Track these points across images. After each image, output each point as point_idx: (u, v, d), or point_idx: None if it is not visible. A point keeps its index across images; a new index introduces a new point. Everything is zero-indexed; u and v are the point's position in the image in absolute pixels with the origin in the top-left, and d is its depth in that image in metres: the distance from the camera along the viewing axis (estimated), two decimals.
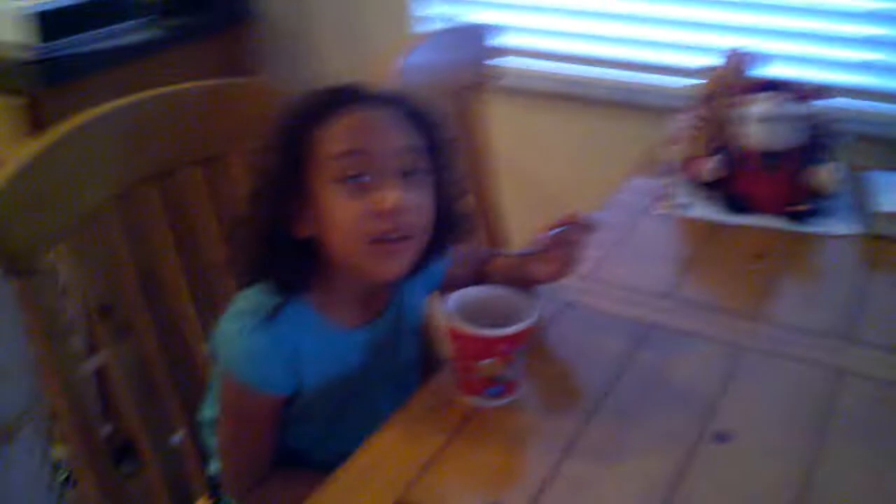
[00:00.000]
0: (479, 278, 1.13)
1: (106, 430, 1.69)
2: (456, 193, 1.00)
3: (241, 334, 0.92)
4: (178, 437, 1.10)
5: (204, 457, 1.11)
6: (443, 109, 1.07)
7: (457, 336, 0.92)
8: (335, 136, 0.90)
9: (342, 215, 0.89)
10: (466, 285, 1.00)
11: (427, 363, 1.12)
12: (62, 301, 0.93)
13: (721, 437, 0.90)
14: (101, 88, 1.65)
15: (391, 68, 1.31)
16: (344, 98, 0.92)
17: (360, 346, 1.00)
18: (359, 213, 0.88)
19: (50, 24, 1.57)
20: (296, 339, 0.94)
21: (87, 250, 0.98)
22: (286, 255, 0.92)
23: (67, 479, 1.70)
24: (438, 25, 2.04)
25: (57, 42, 1.60)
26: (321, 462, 1.02)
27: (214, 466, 1.09)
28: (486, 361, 0.91)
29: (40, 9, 1.55)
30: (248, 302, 0.95)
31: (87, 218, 0.97)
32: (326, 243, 0.92)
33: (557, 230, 1.02)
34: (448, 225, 0.99)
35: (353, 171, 0.88)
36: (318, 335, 0.96)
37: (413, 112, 0.94)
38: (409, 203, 0.89)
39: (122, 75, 1.73)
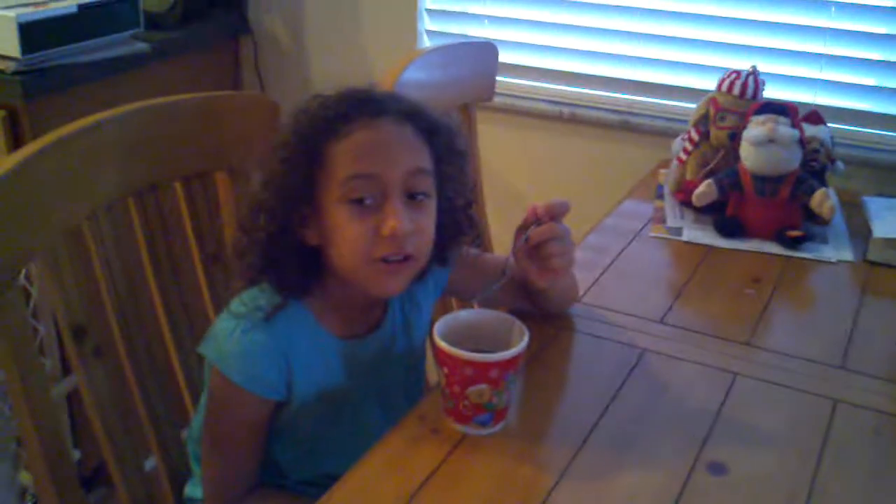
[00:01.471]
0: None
1: (76, 455, 1.66)
2: (463, 204, 0.99)
3: (237, 333, 0.91)
4: (151, 461, 1.07)
5: (181, 479, 1.08)
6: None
7: (446, 360, 0.89)
8: (345, 157, 0.89)
9: (346, 235, 0.89)
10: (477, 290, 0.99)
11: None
12: (33, 321, 0.90)
13: (714, 468, 0.88)
14: (85, 102, 1.63)
15: (385, 84, 1.30)
16: (361, 109, 0.90)
17: (349, 358, 0.98)
18: (362, 234, 0.88)
19: (32, 35, 1.54)
20: (291, 341, 0.93)
21: (61, 268, 0.94)
22: (291, 260, 0.92)
23: None
24: (435, 40, 2.03)
25: (39, 54, 1.57)
26: (300, 482, 1.01)
27: (191, 488, 1.06)
28: (476, 387, 0.88)
29: (23, 19, 1.52)
30: (245, 303, 0.94)
31: (64, 234, 0.95)
32: (329, 255, 0.92)
33: (525, 235, 0.98)
34: (452, 236, 0.99)
35: (359, 194, 0.88)
36: (312, 341, 0.95)
37: (428, 126, 0.93)
38: (411, 227, 0.89)
39: (107, 89, 1.70)
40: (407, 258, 0.91)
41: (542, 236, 0.97)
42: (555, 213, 0.97)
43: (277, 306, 0.92)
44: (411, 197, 0.91)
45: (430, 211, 0.93)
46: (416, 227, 0.90)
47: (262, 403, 0.94)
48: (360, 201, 0.89)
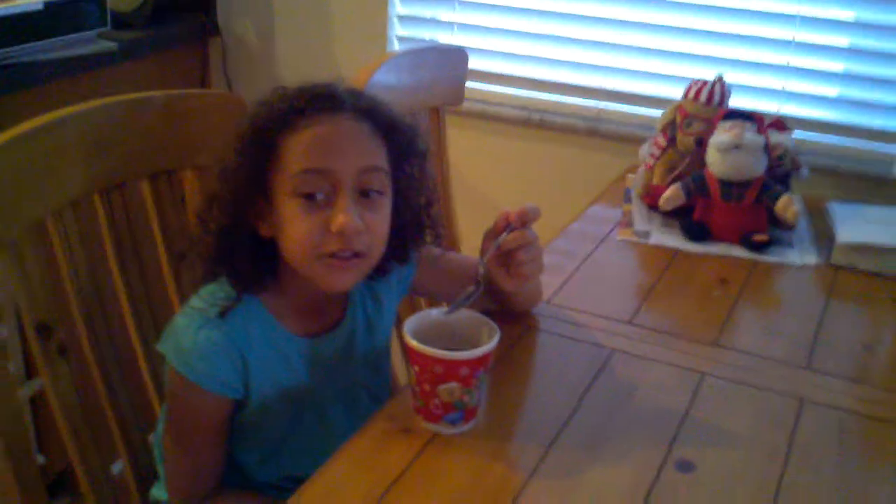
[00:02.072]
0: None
1: (40, 461, 1.63)
2: (423, 203, 0.99)
3: (191, 330, 0.90)
4: (118, 465, 1.05)
5: (148, 482, 1.06)
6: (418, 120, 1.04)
7: (416, 358, 0.89)
8: (298, 151, 0.88)
9: (295, 229, 0.89)
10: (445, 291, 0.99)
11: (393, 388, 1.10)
12: None
13: (683, 465, 0.88)
14: (50, 100, 1.61)
15: (356, 86, 1.29)
16: (318, 104, 0.90)
17: (309, 356, 0.98)
18: (311, 229, 0.88)
19: None
20: (246, 338, 0.92)
21: (26, 265, 0.93)
22: (246, 251, 0.91)
23: None
24: (405, 46, 2.03)
25: (4, 50, 1.54)
26: (265, 484, 1.00)
27: (156, 490, 1.05)
28: (447, 385, 0.88)
29: None
30: (202, 298, 0.93)
31: (28, 230, 0.93)
32: (281, 249, 0.92)
33: (497, 243, 0.97)
34: (411, 234, 0.98)
35: (310, 189, 0.88)
36: (268, 337, 0.94)
37: (386, 124, 0.93)
38: (361, 225, 0.88)
39: (73, 87, 1.67)
40: (357, 255, 0.90)
41: (514, 243, 0.97)
42: (526, 220, 0.97)
43: (231, 302, 0.92)
44: (364, 194, 0.90)
45: (382, 209, 0.92)
46: (367, 225, 0.89)
47: (220, 401, 0.93)
48: (310, 196, 0.88)
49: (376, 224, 0.91)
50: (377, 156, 0.92)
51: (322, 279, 0.91)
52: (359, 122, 0.91)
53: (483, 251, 0.99)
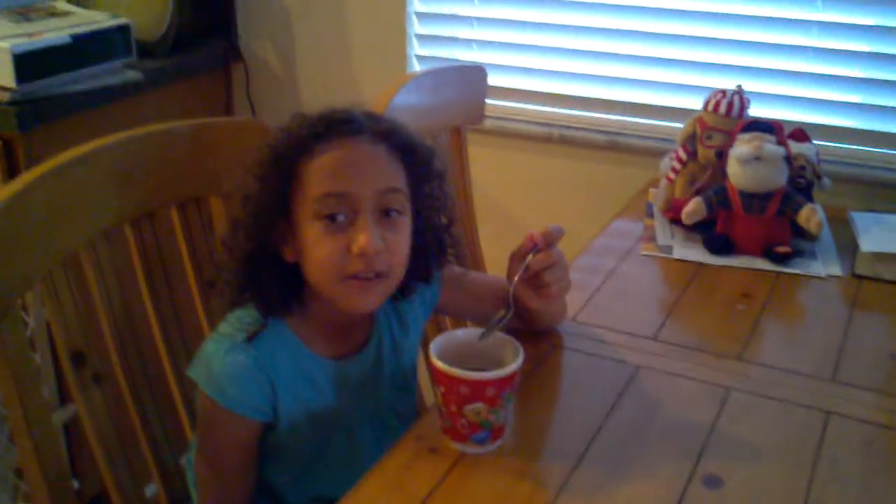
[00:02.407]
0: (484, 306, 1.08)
1: (74, 486, 1.65)
2: (443, 223, 1.00)
3: (220, 354, 0.92)
4: (151, 488, 1.07)
5: None
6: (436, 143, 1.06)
7: (442, 379, 0.90)
8: (318, 175, 0.90)
9: (317, 251, 0.90)
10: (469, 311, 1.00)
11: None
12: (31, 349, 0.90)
13: (710, 481, 0.88)
14: (79, 131, 1.64)
15: (377, 109, 1.31)
16: (336, 129, 0.92)
17: (336, 378, 0.99)
18: (333, 251, 0.90)
19: (27, 65, 1.55)
20: (273, 361, 0.94)
21: (60, 295, 0.95)
22: (271, 276, 0.93)
23: None
24: (425, 65, 2.05)
25: (34, 83, 1.58)
26: None
27: None
28: (473, 406, 0.89)
29: (18, 50, 1.54)
30: (230, 324, 0.95)
31: (62, 261, 0.95)
32: (304, 272, 0.93)
33: (525, 264, 0.98)
34: (433, 254, 1.00)
35: (330, 211, 0.90)
36: (295, 360, 0.96)
37: (403, 145, 0.94)
38: (381, 245, 0.90)
39: (100, 118, 1.71)
40: (379, 275, 0.92)
41: (542, 264, 0.98)
42: (551, 240, 0.99)
43: (259, 327, 0.93)
44: (385, 213, 0.92)
45: (403, 228, 0.94)
46: (388, 245, 0.91)
47: (250, 424, 0.95)
48: (332, 218, 0.90)
49: (397, 244, 0.93)
50: (395, 177, 0.94)
51: (345, 300, 0.93)
52: (376, 144, 0.93)
53: (510, 273, 1.00)
